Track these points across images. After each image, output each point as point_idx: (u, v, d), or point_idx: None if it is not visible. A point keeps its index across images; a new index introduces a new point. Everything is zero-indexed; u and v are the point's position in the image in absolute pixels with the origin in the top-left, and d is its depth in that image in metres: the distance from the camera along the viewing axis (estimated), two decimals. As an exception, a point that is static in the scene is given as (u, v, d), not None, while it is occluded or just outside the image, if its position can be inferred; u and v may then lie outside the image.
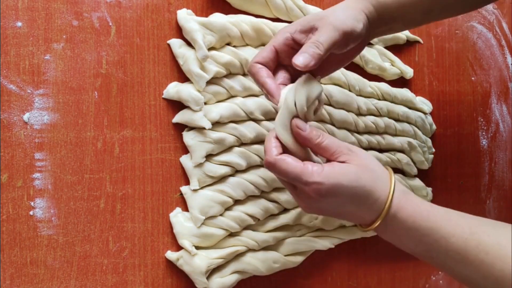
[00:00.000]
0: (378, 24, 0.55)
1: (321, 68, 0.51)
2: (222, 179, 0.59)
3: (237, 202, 0.60)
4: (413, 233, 0.47)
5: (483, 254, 0.44)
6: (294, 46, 0.51)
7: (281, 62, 0.52)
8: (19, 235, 0.51)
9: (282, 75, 0.51)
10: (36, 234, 0.52)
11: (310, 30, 0.50)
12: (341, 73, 0.67)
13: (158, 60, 0.58)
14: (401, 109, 0.74)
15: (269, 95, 0.49)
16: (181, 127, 0.59)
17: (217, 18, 0.58)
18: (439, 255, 0.46)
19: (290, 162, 0.45)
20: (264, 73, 0.49)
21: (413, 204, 0.47)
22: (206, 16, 0.59)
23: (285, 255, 0.63)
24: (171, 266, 0.58)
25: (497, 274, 0.44)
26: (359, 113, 0.70)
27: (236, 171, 0.60)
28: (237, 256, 0.60)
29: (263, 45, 0.62)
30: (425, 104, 0.78)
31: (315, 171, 0.45)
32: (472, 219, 0.48)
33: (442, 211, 0.48)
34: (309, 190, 0.45)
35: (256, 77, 0.50)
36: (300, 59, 0.46)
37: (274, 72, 0.52)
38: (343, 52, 0.52)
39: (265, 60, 0.50)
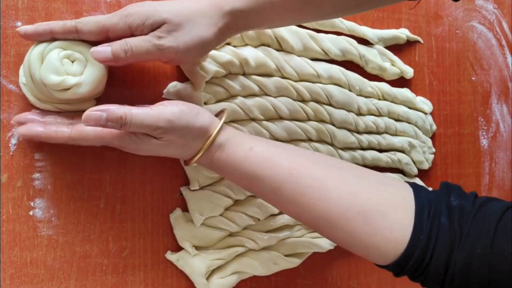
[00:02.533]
0: (232, 29, 0.49)
1: None
2: (222, 179, 0.59)
3: (237, 202, 0.60)
4: (231, 175, 0.48)
5: (299, 196, 0.44)
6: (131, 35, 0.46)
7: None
8: (19, 235, 0.51)
9: None
10: (36, 234, 0.52)
11: (151, 29, 0.45)
12: (341, 73, 0.67)
13: (158, 60, 0.58)
14: (401, 109, 0.74)
15: None
16: (181, 127, 0.59)
17: (217, 18, 0.58)
18: (261, 195, 0.48)
19: (142, 112, 0.43)
20: None
21: (228, 153, 0.47)
22: (206, 16, 0.59)
23: (285, 255, 0.63)
24: (171, 266, 0.58)
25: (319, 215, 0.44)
26: (359, 113, 0.70)
27: (236, 171, 0.60)
28: (237, 256, 0.60)
29: (263, 44, 0.62)
30: (425, 104, 0.78)
31: (165, 113, 0.44)
32: (297, 157, 0.46)
33: (261, 154, 0.46)
34: (157, 134, 0.44)
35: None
36: (101, 52, 0.44)
37: None
38: None
39: (88, 33, 0.46)
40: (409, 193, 0.45)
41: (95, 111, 0.42)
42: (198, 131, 0.46)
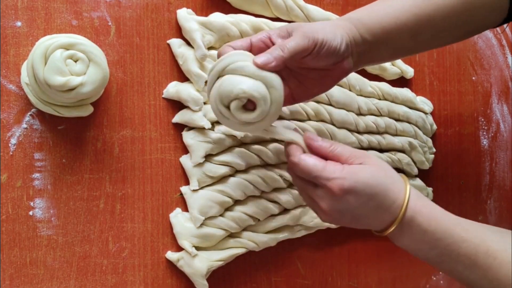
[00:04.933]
0: (363, 47, 0.53)
1: (303, 89, 0.50)
2: (222, 179, 0.59)
3: (237, 202, 0.60)
4: (429, 236, 0.48)
5: (491, 260, 0.47)
6: (270, 46, 0.50)
7: None
8: (18, 235, 0.51)
9: None
10: (35, 234, 0.52)
11: (286, 36, 0.50)
12: (342, 73, 0.67)
13: (158, 59, 0.58)
14: (401, 109, 0.74)
15: None
16: (181, 127, 0.59)
17: (217, 17, 0.58)
18: (450, 260, 0.48)
19: (312, 161, 0.47)
20: (229, 49, 0.49)
21: (428, 208, 0.49)
22: (206, 15, 0.59)
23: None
24: (171, 266, 0.58)
25: (503, 279, 0.47)
26: (360, 113, 0.69)
27: (236, 171, 0.60)
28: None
29: (263, 44, 0.62)
30: (425, 104, 0.78)
31: (337, 169, 0.47)
32: (480, 226, 0.50)
33: (454, 217, 0.50)
34: (332, 186, 0.46)
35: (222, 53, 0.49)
36: (262, 58, 0.46)
37: None
38: (323, 68, 0.51)
39: (238, 48, 0.49)
40: None
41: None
42: (390, 201, 0.47)
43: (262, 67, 0.46)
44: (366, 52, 0.54)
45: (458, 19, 0.55)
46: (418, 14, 0.54)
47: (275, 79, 0.46)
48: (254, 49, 0.50)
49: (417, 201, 0.49)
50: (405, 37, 0.55)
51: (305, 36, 0.48)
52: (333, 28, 0.50)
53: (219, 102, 0.46)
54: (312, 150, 0.49)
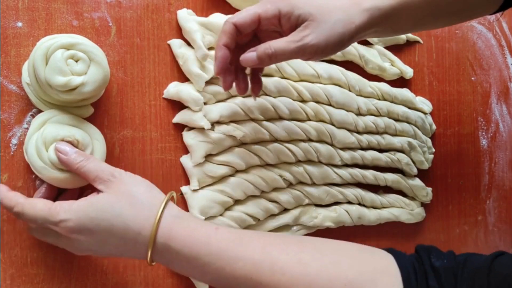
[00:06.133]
0: (367, 28, 0.50)
1: None
2: (222, 179, 0.59)
3: (237, 202, 0.60)
4: (194, 262, 0.42)
5: (278, 276, 0.40)
6: (278, 26, 0.48)
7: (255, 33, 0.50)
8: (19, 235, 0.51)
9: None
10: (36, 234, 0.52)
11: (296, 23, 0.47)
12: (341, 73, 0.67)
13: (158, 60, 0.58)
14: (401, 109, 0.74)
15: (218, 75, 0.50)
16: (181, 127, 0.59)
17: (217, 18, 0.58)
18: (230, 283, 0.42)
19: (37, 205, 0.43)
20: (223, 54, 0.48)
21: (189, 229, 0.42)
22: (206, 16, 0.60)
23: None
24: (171, 266, 0.58)
25: None
26: (359, 113, 0.70)
27: (236, 171, 0.60)
28: None
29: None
30: (425, 104, 0.78)
31: (62, 209, 0.42)
32: (264, 237, 0.43)
33: (228, 234, 0.43)
34: (60, 230, 0.42)
35: (216, 50, 0.49)
36: (248, 58, 0.46)
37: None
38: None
39: (243, 25, 0.47)
40: (391, 257, 0.43)
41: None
42: (133, 233, 0.41)
43: (246, 65, 0.47)
44: (366, 31, 0.51)
45: (455, 5, 0.53)
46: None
47: (99, 135, 0.48)
48: (262, 25, 0.48)
49: (173, 223, 0.42)
50: (409, 21, 0.52)
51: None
52: (347, 24, 0.47)
53: (41, 146, 0.46)
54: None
